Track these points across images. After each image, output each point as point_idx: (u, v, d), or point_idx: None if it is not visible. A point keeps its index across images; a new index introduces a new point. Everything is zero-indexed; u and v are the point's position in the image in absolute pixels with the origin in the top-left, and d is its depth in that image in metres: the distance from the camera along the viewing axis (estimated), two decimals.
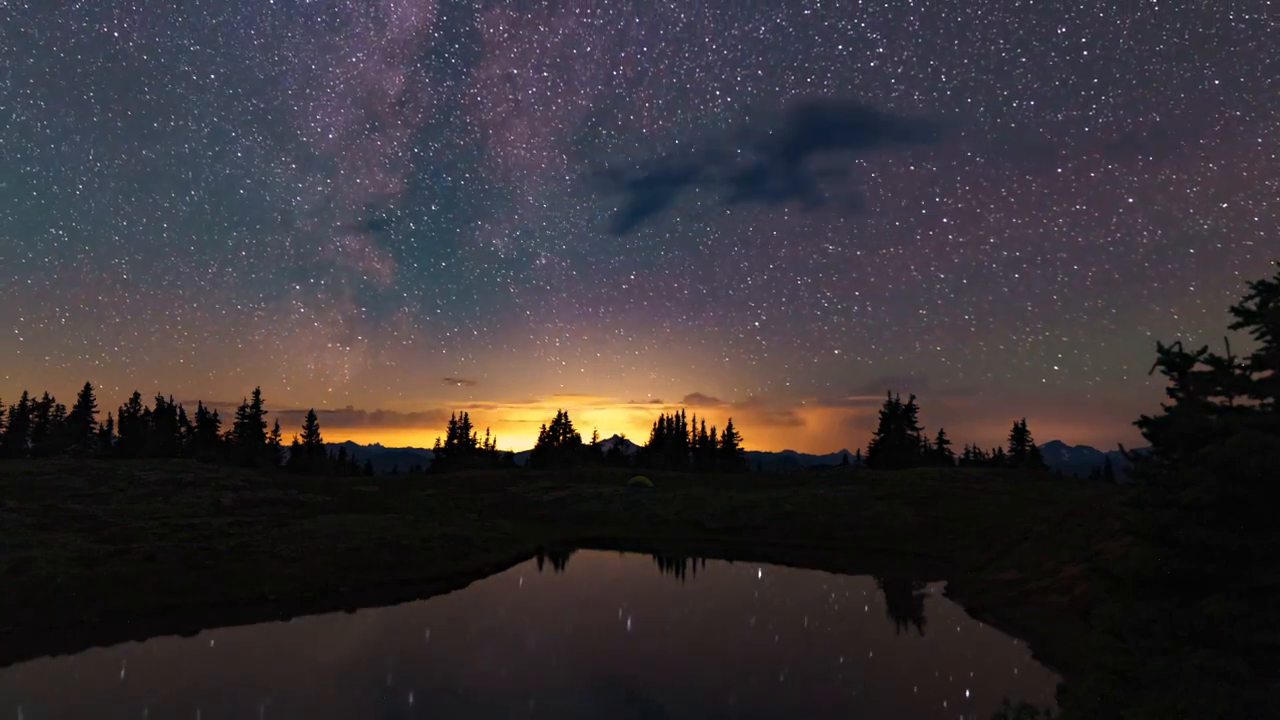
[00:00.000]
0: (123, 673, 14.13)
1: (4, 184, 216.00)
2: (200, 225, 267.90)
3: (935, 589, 23.62)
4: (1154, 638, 6.43)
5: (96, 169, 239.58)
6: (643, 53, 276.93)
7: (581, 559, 30.73)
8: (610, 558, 31.42)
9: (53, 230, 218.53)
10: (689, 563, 29.98)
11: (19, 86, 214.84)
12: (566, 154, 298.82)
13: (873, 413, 67.41)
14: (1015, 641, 16.85)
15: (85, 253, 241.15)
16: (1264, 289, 6.90)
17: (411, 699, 12.64)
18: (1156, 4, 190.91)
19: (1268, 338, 6.81)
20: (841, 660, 15.95)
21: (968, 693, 13.46)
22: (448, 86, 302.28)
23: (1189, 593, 6.56)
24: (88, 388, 67.34)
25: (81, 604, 17.14)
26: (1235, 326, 7.02)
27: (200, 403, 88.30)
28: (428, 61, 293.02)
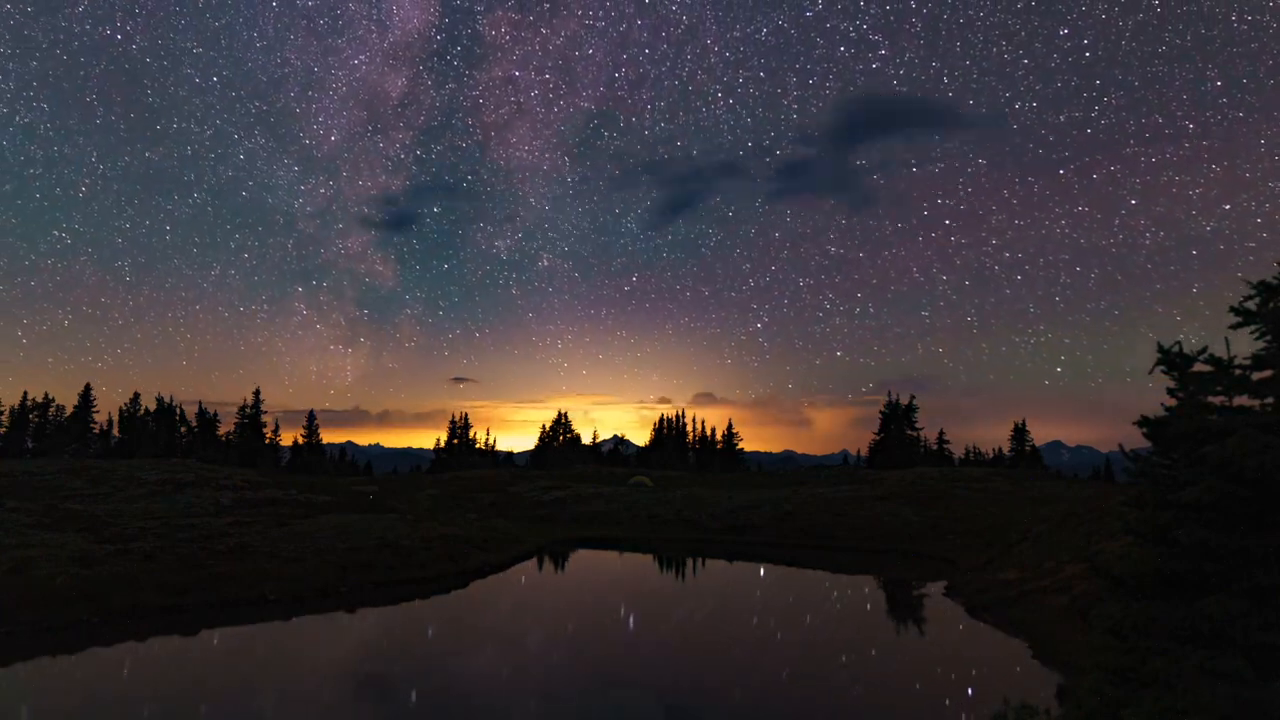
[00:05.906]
0: (123, 673, 14.12)
1: (8, 186, 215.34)
2: (203, 228, 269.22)
3: (935, 589, 23.62)
4: (1154, 638, 6.43)
5: (99, 171, 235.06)
6: (645, 55, 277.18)
7: (581, 559, 30.73)
8: (610, 558, 31.42)
9: (55, 233, 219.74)
10: (689, 563, 29.98)
11: (22, 89, 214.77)
12: (569, 156, 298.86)
13: (873, 413, 67.34)
14: (1015, 641, 16.84)
15: (88, 254, 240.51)
16: (1264, 289, 6.89)
17: (412, 699, 12.64)
18: (1159, 6, 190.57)
19: (1268, 338, 6.81)
20: (842, 660, 15.95)
21: (968, 692, 13.46)
22: (450, 89, 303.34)
23: (1189, 593, 6.56)
24: (88, 388, 67.41)
25: (81, 604, 17.12)
26: (1235, 326, 7.01)
27: (200, 403, 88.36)
28: (430, 64, 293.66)
